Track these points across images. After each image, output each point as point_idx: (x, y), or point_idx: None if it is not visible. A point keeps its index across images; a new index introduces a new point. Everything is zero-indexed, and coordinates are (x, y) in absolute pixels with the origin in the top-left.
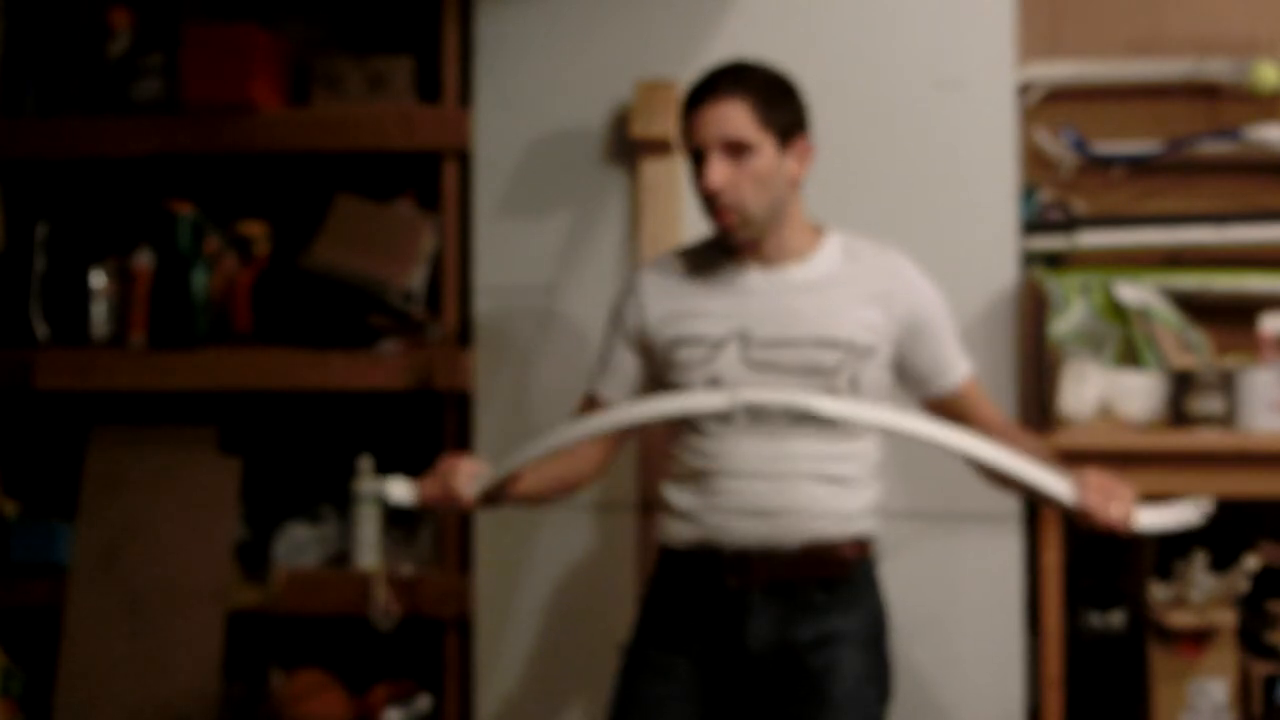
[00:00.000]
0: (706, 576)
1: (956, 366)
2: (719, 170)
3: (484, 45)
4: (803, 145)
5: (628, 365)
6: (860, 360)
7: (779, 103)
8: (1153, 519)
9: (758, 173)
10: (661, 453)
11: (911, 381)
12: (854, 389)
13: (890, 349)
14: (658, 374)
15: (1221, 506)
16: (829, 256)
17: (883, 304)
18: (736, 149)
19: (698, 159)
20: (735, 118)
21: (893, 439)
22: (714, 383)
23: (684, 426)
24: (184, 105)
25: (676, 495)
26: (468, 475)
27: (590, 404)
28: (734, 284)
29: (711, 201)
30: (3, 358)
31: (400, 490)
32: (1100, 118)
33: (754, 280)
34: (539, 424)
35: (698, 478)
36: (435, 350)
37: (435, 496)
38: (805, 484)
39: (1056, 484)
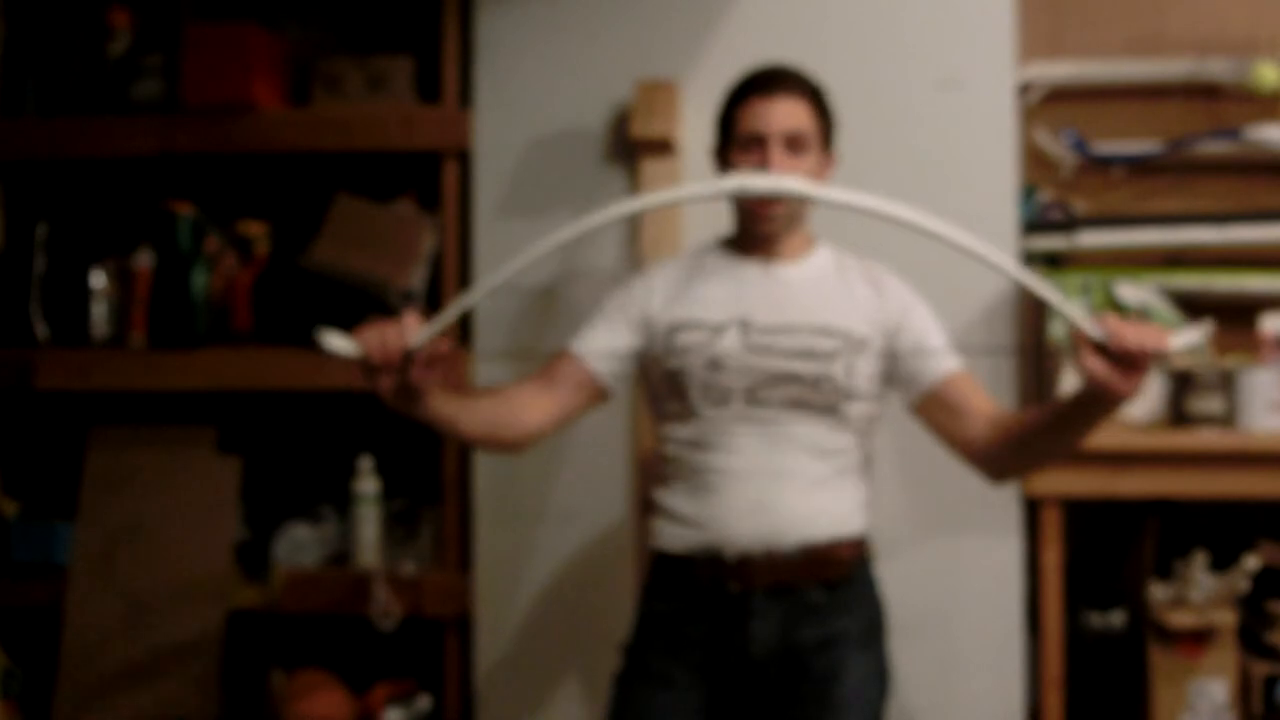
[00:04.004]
0: (707, 581)
1: (943, 361)
2: (782, 160)
3: (484, 45)
4: (832, 158)
5: (618, 338)
6: (855, 351)
7: (824, 110)
8: (1179, 340)
9: (807, 170)
10: (653, 451)
11: (902, 382)
12: (849, 376)
13: (880, 345)
14: (659, 360)
15: (1221, 506)
16: (820, 261)
17: (873, 307)
18: (796, 144)
19: (745, 150)
20: (800, 114)
21: (883, 436)
22: (714, 365)
23: (676, 412)
24: (184, 105)
25: (673, 500)
26: (410, 324)
27: (562, 359)
28: (735, 276)
29: None
30: (3, 358)
31: (340, 343)
32: (1100, 118)
33: (753, 273)
34: None
35: (694, 477)
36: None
37: (374, 346)
38: (800, 478)
39: (1086, 322)
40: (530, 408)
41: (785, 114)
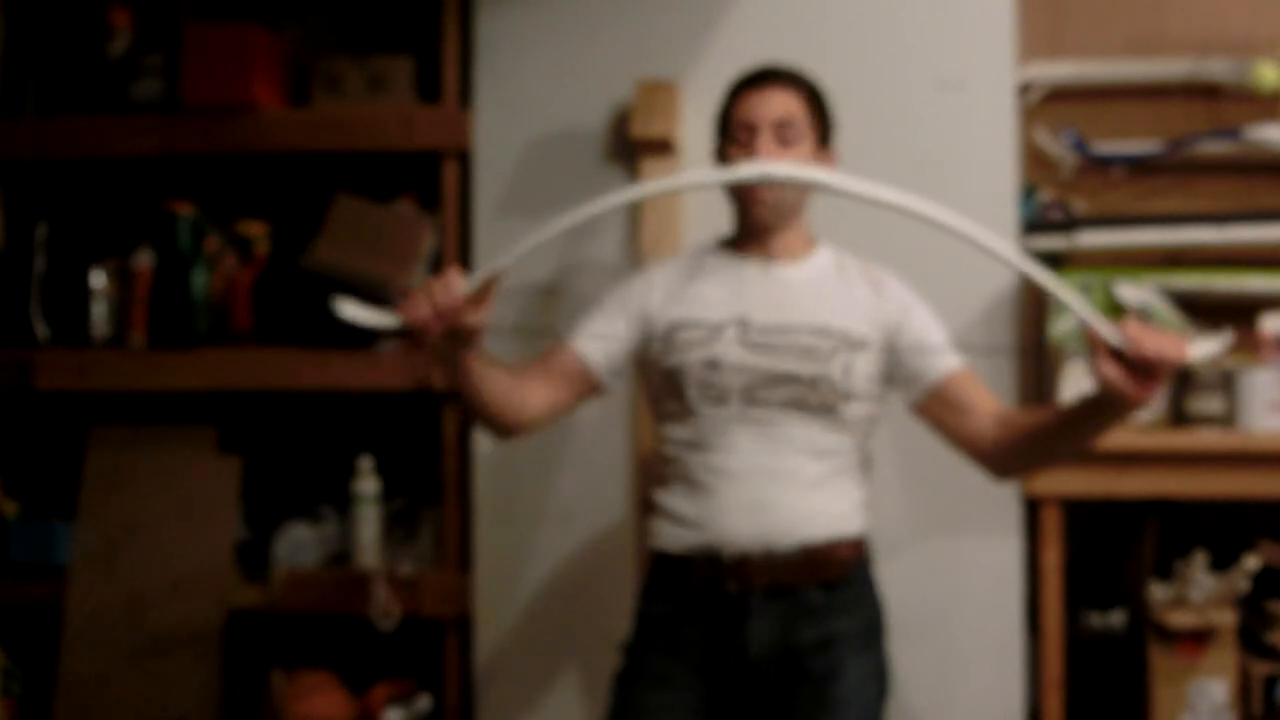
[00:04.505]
0: (705, 581)
1: (944, 359)
2: (770, 147)
3: (484, 45)
4: (829, 156)
5: (616, 332)
6: (853, 351)
7: (821, 109)
8: (1198, 350)
9: (798, 160)
10: (653, 452)
11: (903, 381)
12: (847, 376)
13: (880, 344)
14: (657, 358)
15: (1221, 506)
16: (821, 262)
17: (872, 307)
18: (786, 132)
19: (737, 140)
20: (790, 103)
21: (883, 436)
22: (712, 364)
23: (674, 411)
24: (184, 105)
25: (672, 500)
26: (454, 278)
27: (557, 351)
28: (734, 276)
29: None
30: (3, 358)
31: (357, 311)
32: (1100, 118)
33: (752, 273)
34: None
35: (692, 477)
36: (435, 350)
37: (422, 314)
38: (798, 479)
39: (1104, 327)
40: (532, 395)
41: (775, 103)
